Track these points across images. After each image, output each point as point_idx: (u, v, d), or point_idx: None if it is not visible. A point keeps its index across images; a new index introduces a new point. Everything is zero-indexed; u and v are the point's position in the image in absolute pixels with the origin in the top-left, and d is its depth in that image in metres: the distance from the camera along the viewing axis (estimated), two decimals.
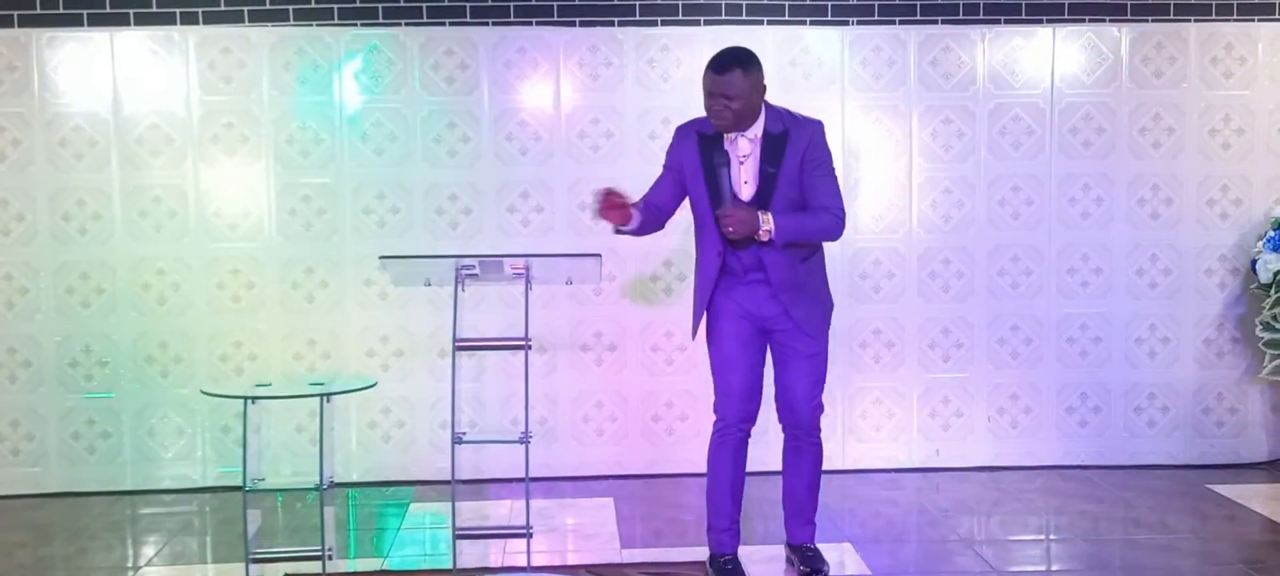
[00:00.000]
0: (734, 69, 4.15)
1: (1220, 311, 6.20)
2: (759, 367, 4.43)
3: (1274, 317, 5.91)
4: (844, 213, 4.33)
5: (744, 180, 4.28)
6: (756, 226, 4.19)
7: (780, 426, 4.55)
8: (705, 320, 4.49)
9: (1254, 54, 6.11)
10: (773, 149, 4.24)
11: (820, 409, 4.48)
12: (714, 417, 4.48)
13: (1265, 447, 6.26)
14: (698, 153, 4.30)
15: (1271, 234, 5.95)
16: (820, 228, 4.30)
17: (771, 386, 4.49)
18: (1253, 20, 6.15)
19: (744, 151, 4.26)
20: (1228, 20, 6.16)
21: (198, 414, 5.96)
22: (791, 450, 4.55)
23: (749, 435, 4.47)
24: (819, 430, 4.51)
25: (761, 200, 4.25)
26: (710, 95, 4.20)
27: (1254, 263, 6.02)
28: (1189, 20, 6.15)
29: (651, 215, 4.40)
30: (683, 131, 4.40)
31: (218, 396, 4.49)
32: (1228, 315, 6.20)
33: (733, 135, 4.25)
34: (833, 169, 4.33)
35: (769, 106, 4.31)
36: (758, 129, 4.26)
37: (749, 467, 4.53)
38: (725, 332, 4.40)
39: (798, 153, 4.24)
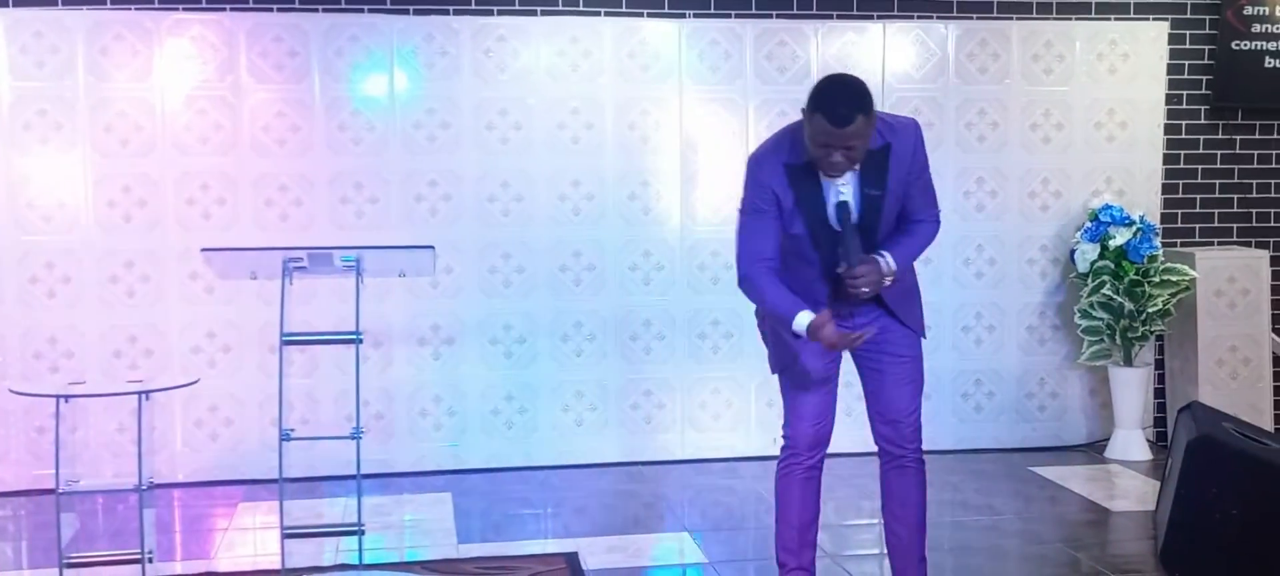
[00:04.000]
0: (856, 116, 3.47)
1: (1042, 299, 6.43)
2: (835, 385, 3.90)
3: (1092, 305, 6.15)
4: (939, 211, 3.87)
5: None
6: (882, 279, 3.66)
7: (877, 448, 3.96)
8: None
9: (1072, 52, 6.34)
10: (875, 169, 3.63)
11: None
12: (782, 442, 3.93)
13: (1084, 430, 6.51)
14: (790, 186, 3.65)
15: (1089, 225, 6.19)
16: (923, 244, 3.82)
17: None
18: (1070, 19, 6.39)
19: (843, 178, 3.63)
20: (1047, 19, 6.38)
21: (11, 414, 5.66)
22: (893, 472, 3.92)
23: (821, 466, 3.92)
24: (922, 445, 3.94)
25: (864, 226, 3.67)
26: (827, 148, 3.50)
27: (1073, 252, 6.26)
28: (1011, 18, 6.35)
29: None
30: (765, 163, 3.69)
31: (29, 395, 4.28)
32: (1049, 303, 6.43)
33: None
34: (929, 169, 3.81)
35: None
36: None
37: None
38: (805, 351, 3.79)
39: (902, 166, 3.67)
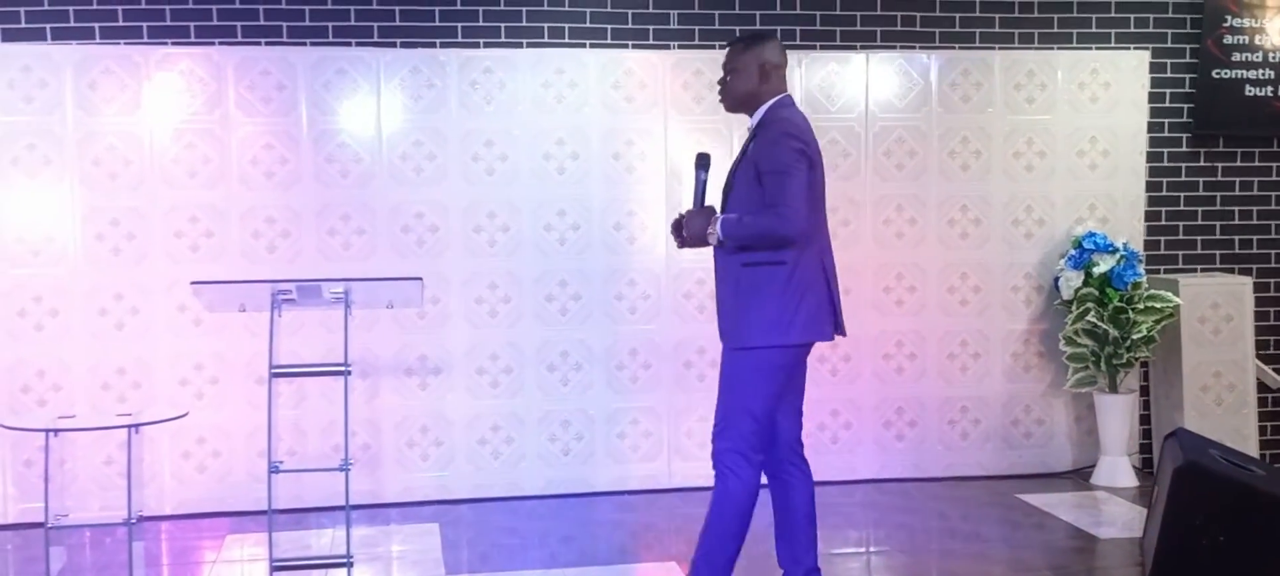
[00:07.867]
0: (738, 43, 4.06)
1: (1026, 327, 6.46)
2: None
3: (1076, 332, 6.19)
4: (793, 211, 3.82)
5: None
6: (704, 229, 3.96)
7: None
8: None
9: (1053, 81, 6.40)
10: (751, 138, 4.03)
11: (728, 445, 3.93)
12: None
13: (1070, 457, 6.54)
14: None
15: (1073, 252, 6.23)
16: (756, 226, 3.86)
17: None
18: (1052, 48, 6.45)
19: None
20: (1029, 48, 6.44)
21: None
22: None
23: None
24: (725, 469, 3.95)
25: (725, 186, 4.03)
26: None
27: (1057, 280, 6.30)
28: (993, 48, 6.41)
29: None
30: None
31: (18, 429, 4.28)
32: (1033, 330, 6.46)
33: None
34: (786, 166, 3.84)
35: (786, 103, 4.02)
36: (755, 119, 4.04)
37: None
38: None
39: (761, 146, 3.93)
